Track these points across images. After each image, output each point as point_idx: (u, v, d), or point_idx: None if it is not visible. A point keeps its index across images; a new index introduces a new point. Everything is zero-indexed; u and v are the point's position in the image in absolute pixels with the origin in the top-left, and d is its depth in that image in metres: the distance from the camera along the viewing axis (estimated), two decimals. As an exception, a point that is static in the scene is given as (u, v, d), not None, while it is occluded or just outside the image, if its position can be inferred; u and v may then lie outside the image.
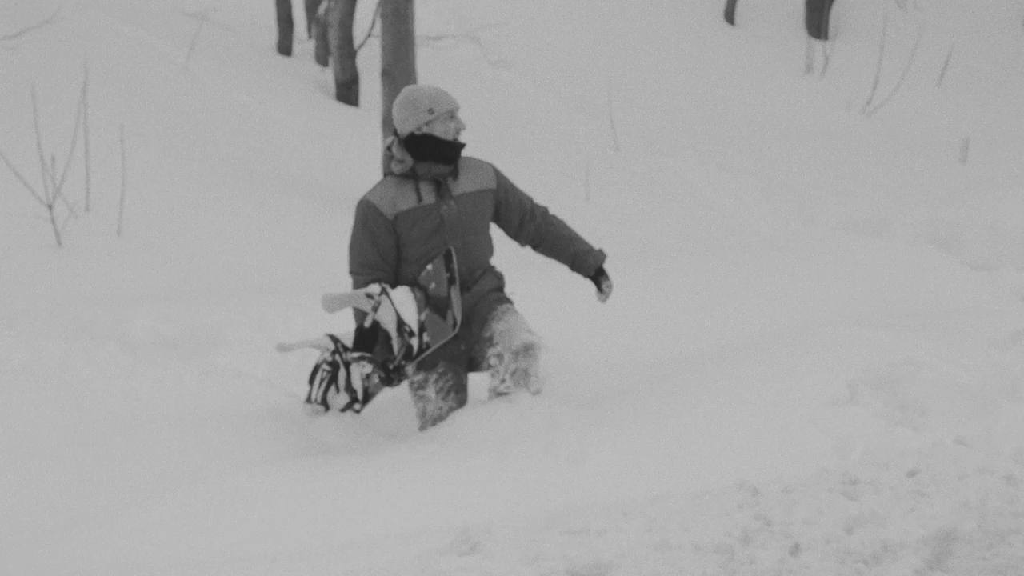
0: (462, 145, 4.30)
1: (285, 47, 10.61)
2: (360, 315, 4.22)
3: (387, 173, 4.38)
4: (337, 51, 10.01)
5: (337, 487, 3.89)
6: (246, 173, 8.06)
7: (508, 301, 4.52)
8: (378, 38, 8.32)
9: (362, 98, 10.10)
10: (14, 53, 7.87)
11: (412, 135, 4.18)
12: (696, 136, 11.06)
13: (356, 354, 4.17)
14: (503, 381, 4.20)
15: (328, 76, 10.36)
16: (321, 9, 10.51)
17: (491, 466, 3.94)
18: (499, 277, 4.55)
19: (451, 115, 4.22)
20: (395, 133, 4.25)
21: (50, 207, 6.44)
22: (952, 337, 5.69)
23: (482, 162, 4.51)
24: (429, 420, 4.36)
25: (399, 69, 7.92)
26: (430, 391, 4.33)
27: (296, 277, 6.70)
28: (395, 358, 4.13)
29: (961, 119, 11.52)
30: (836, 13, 13.59)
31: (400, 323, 4.05)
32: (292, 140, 8.99)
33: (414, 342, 4.09)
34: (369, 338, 4.11)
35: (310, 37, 11.01)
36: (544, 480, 3.89)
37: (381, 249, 4.25)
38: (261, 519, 3.67)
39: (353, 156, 8.99)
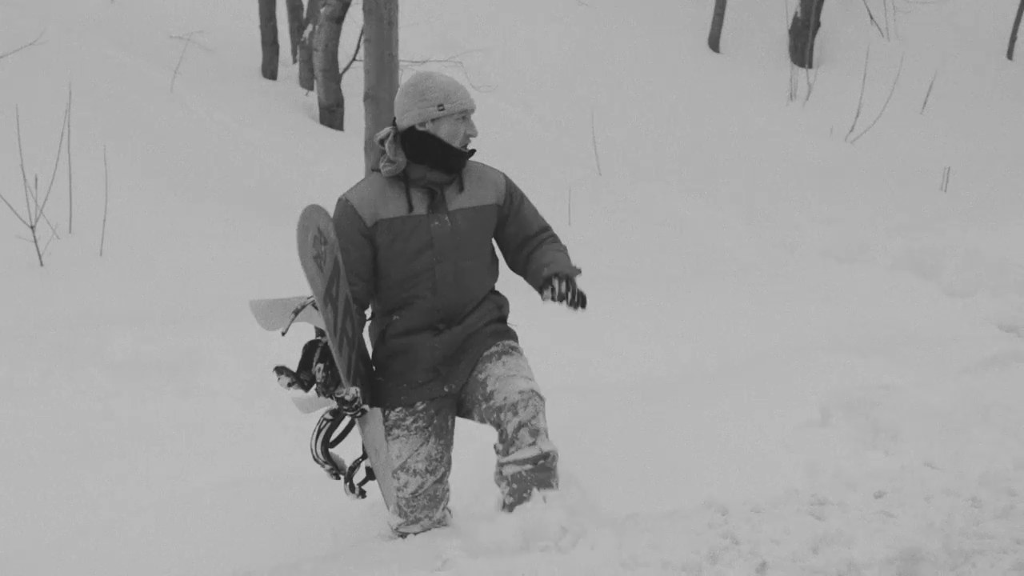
0: (470, 153, 3.56)
1: (270, 70, 10.61)
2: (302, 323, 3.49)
3: (373, 170, 3.61)
4: (321, 75, 9.97)
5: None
6: (229, 195, 7.94)
7: (508, 336, 3.75)
8: (362, 62, 8.18)
9: (346, 122, 10.03)
10: None
11: (413, 129, 3.45)
12: (679, 162, 11.06)
13: (281, 368, 3.47)
14: (510, 486, 3.36)
15: (312, 100, 10.33)
16: (306, 33, 10.54)
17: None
18: (500, 306, 3.74)
19: (464, 116, 3.49)
20: (394, 124, 3.52)
21: (33, 228, 6.33)
22: (926, 362, 5.76)
23: (494, 171, 3.72)
24: (407, 483, 3.52)
25: (383, 93, 7.73)
26: (406, 428, 3.54)
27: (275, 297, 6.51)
28: (327, 372, 3.42)
29: (943, 148, 11.54)
30: (820, 41, 13.65)
31: (318, 335, 3.47)
32: (276, 163, 8.90)
33: (343, 356, 3.40)
34: (310, 357, 3.46)
35: (295, 61, 11.01)
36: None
37: (351, 260, 3.49)
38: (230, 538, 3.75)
39: (337, 179, 8.43)
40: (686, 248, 8.98)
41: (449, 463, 3.55)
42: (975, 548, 3.43)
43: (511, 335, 3.68)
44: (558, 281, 3.36)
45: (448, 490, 3.55)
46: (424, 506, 3.47)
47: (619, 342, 5.43)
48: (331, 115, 9.97)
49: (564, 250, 3.65)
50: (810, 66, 13.32)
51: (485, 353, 3.54)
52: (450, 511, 3.57)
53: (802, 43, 13.46)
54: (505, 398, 3.38)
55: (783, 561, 3.28)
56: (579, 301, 3.39)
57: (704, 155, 11.34)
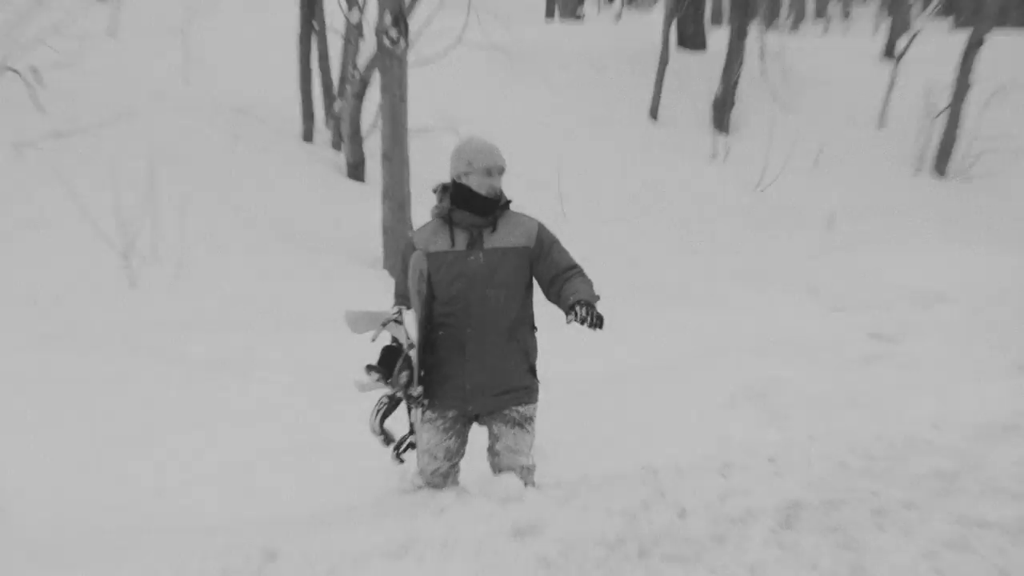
0: (496, 201, 3.39)
1: (308, 135, 10.38)
2: (387, 331, 3.42)
3: (435, 214, 3.47)
4: (348, 139, 9.75)
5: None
6: (277, 231, 7.80)
7: (530, 400, 3.48)
8: (380, 129, 7.90)
9: (367, 175, 9.78)
10: (97, 139, 7.52)
11: (454, 181, 3.40)
12: (627, 207, 10.87)
13: (372, 374, 3.36)
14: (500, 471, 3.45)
15: (341, 158, 10.08)
16: (336, 106, 10.32)
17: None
18: (527, 352, 3.45)
19: (488, 172, 3.36)
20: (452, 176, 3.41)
21: (126, 257, 6.22)
22: (811, 361, 5.66)
23: (530, 220, 3.49)
24: (430, 462, 3.51)
25: (395, 154, 7.54)
26: (437, 425, 3.44)
27: (314, 311, 6.36)
28: (404, 380, 3.35)
29: (829, 196, 11.30)
30: (735, 114, 13.43)
31: (407, 341, 3.34)
32: (312, 206, 8.69)
33: (413, 354, 3.31)
34: (390, 359, 3.36)
35: (327, 127, 10.75)
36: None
37: (414, 278, 3.42)
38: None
39: (359, 219, 8.57)
40: (633, 274, 8.78)
41: (463, 455, 3.49)
42: (842, 498, 3.46)
43: (533, 397, 3.45)
44: (580, 307, 3.17)
45: (459, 471, 3.52)
46: (439, 480, 3.47)
47: (574, 345, 4.96)
48: (356, 170, 9.76)
49: (589, 283, 3.39)
50: (728, 133, 13.12)
51: (507, 412, 3.39)
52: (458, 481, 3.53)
53: (721, 115, 13.25)
54: (508, 465, 3.38)
55: (698, 508, 3.31)
56: (596, 323, 3.19)
57: (646, 202, 11.14)
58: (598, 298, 3.26)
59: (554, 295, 3.38)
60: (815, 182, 11.95)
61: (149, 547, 2.98)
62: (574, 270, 3.36)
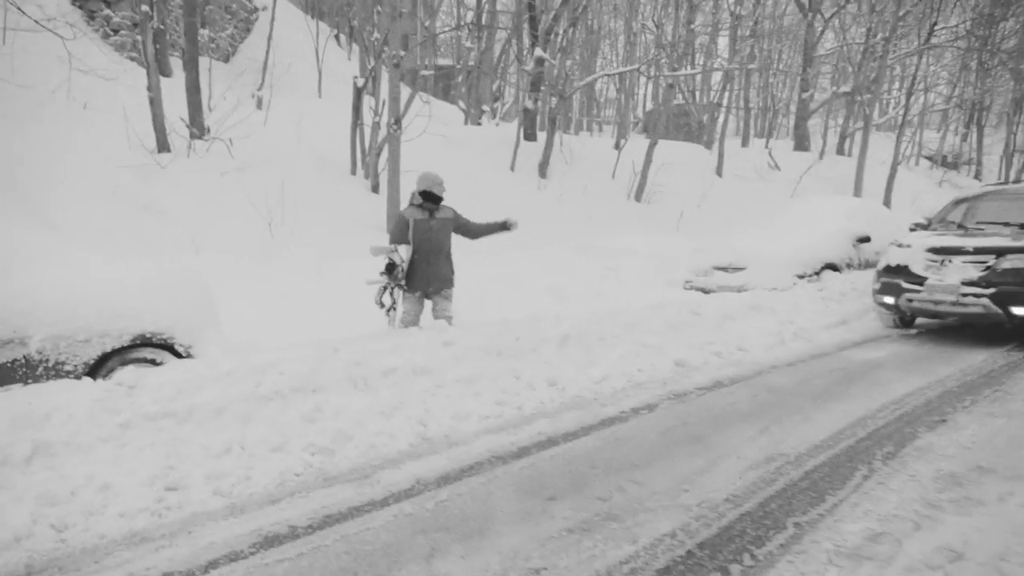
0: (439, 199, 5.23)
1: (353, 171, 13.63)
2: (386, 257, 5.22)
3: (410, 203, 5.29)
4: (372, 174, 13.09)
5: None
6: (337, 215, 11.53)
7: (450, 286, 5.33)
8: (387, 170, 11.16)
9: (380, 191, 12.92)
10: (257, 171, 11.69)
11: (421, 191, 5.20)
12: (495, 213, 12.22)
13: (381, 276, 5.17)
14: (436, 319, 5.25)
15: (368, 183, 13.28)
16: (367, 158, 13.49)
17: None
18: (452, 269, 5.36)
19: (433, 185, 5.21)
20: (418, 190, 5.23)
21: (269, 225, 9.65)
22: (578, 277, 8.51)
23: (450, 208, 5.33)
24: (407, 317, 5.25)
25: (394, 182, 10.94)
26: (411, 299, 5.27)
27: (353, 249, 9.39)
28: (399, 278, 5.15)
29: (589, 210, 15.78)
30: (549, 169, 16.68)
31: (400, 261, 5.15)
32: (354, 205, 12.15)
33: (402, 268, 5.16)
34: (390, 268, 5.18)
35: (362, 167, 13.74)
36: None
37: (401, 233, 5.20)
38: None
39: (376, 211, 11.72)
40: (499, 240, 10.73)
41: (421, 312, 5.35)
42: (587, 331, 5.42)
43: (452, 284, 5.33)
44: (511, 225, 5.26)
45: (419, 320, 5.38)
46: (411, 323, 5.33)
47: (472, 268, 7.38)
48: (375, 189, 13.03)
49: (482, 223, 5.38)
50: (546, 178, 16.46)
51: (442, 291, 5.32)
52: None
53: (544, 169, 16.51)
54: (441, 316, 5.30)
55: (524, 335, 5.10)
56: (512, 227, 5.29)
57: (506, 210, 13.47)
58: (510, 223, 5.23)
59: (474, 233, 5.44)
60: (584, 203, 15.79)
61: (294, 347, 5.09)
62: (474, 221, 5.40)
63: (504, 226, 5.39)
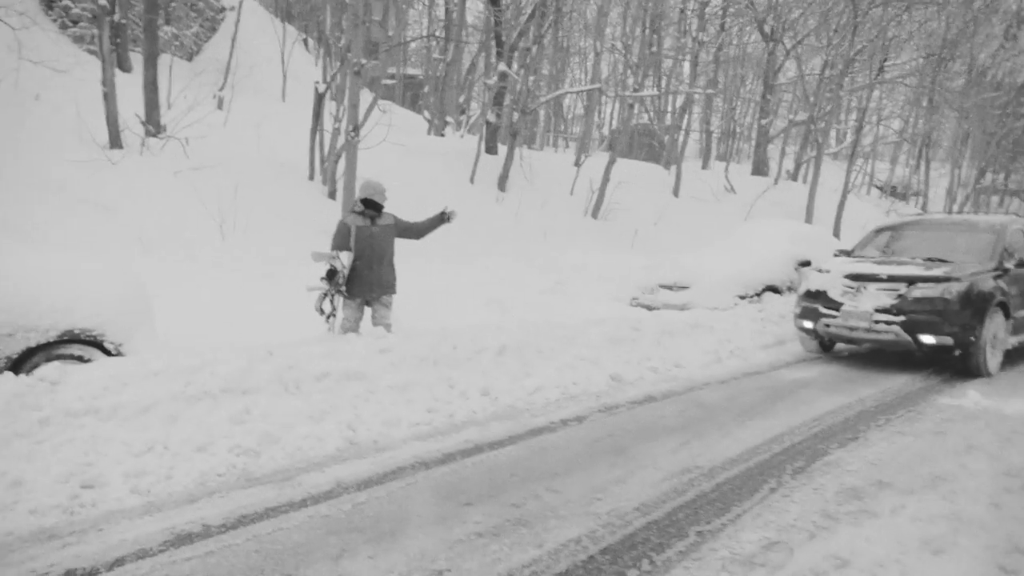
0: (380, 206, 5.44)
1: (311, 176, 13.43)
2: (328, 263, 5.29)
3: (352, 211, 5.47)
4: (329, 180, 12.91)
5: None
6: (291, 218, 11.06)
7: (391, 292, 5.46)
8: (343, 176, 10.61)
9: (337, 197, 12.59)
10: (213, 172, 11.38)
11: (363, 198, 5.41)
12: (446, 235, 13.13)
13: (322, 282, 5.24)
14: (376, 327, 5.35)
15: (325, 189, 13.02)
16: (325, 165, 13.29)
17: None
18: (394, 275, 5.50)
19: (375, 193, 5.40)
20: (359, 197, 5.41)
21: (220, 227, 9.54)
22: (523, 290, 8.54)
23: (392, 214, 5.55)
24: (347, 324, 5.42)
25: (349, 188, 10.39)
26: (351, 306, 5.42)
27: (302, 251, 8.81)
28: (340, 284, 5.23)
29: (550, 224, 15.73)
30: (508, 183, 16.60)
31: (341, 267, 5.23)
32: (310, 210, 11.77)
33: (343, 274, 5.23)
34: (330, 274, 5.28)
35: (321, 173, 13.50)
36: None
37: (343, 239, 5.33)
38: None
39: (330, 218, 10.90)
40: (440, 245, 11.15)
41: (360, 319, 5.51)
42: (525, 344, 5.68)
43: (393, 292, 5.44)
44: (449, 217, 5.41)
45: (359, 327, 5.54)
46: (350, 330, 5.51)
47: (413, 277, 7.37)
48: (332, 195, 12.82)
49: (423, 222, 5.57)
50: (504, 191, 16.35)
51: (381, 299, 5.45)
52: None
53: (503, 182, 16.46)
54: (380, 324, 5.40)
55: (461, 344, 5.29)
56: (449, 219, 5.47)
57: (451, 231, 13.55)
58: (448, 214, 5.41)
59: (417, 233, 5.60)
60: (541, 218, 15.73)
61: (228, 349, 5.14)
62: (414, 221, 5.56)
63: (443, 217, 5.57)
